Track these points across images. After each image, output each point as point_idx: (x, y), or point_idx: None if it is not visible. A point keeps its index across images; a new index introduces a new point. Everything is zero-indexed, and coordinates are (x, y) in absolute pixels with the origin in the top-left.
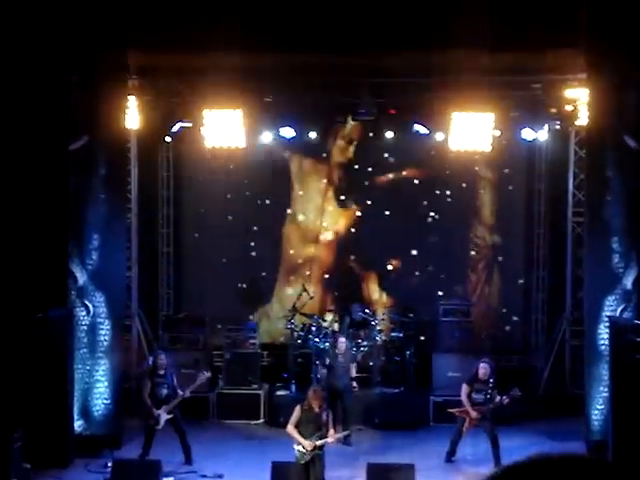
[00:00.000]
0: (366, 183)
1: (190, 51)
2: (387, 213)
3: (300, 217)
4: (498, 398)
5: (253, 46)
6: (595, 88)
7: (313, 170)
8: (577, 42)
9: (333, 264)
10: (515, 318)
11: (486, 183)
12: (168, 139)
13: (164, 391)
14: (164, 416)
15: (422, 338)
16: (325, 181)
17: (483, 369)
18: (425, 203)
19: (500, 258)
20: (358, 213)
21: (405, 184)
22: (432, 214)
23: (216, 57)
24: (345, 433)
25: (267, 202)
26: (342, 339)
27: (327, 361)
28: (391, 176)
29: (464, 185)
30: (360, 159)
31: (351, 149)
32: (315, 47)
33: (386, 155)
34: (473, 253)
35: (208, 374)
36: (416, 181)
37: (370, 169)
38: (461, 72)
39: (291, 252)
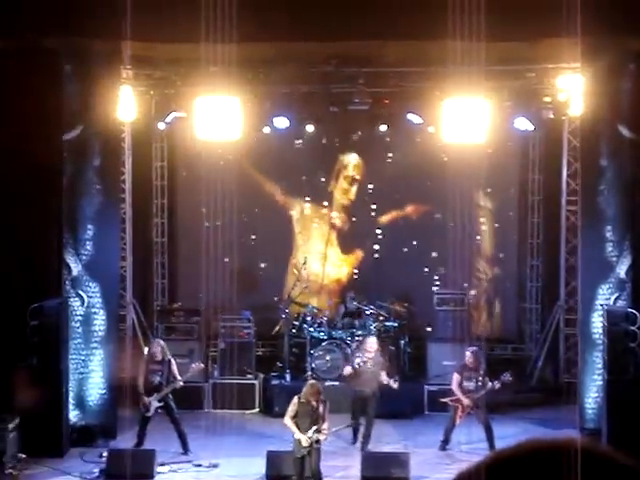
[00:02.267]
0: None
1: (184, 41)
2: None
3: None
4: (490, 384)
5: (248, 36)
6: (589, 77)
7: (315, 215)
8: (571, 31)
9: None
10: (509, 306)
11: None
12: (162, 129)
13: (157, 379)
14: (154, 404)
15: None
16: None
17: (470, 356)
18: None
19: (496, 252)
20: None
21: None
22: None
23: (211, 47)
24: (343, 427)
25: (263, 190)
26: (372, 340)
27: (356, 363)
28: (394, 213)
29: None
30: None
31: (353, 190)
32: (309, 37)
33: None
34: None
35: (201, 365)
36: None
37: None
38: (454, 62)
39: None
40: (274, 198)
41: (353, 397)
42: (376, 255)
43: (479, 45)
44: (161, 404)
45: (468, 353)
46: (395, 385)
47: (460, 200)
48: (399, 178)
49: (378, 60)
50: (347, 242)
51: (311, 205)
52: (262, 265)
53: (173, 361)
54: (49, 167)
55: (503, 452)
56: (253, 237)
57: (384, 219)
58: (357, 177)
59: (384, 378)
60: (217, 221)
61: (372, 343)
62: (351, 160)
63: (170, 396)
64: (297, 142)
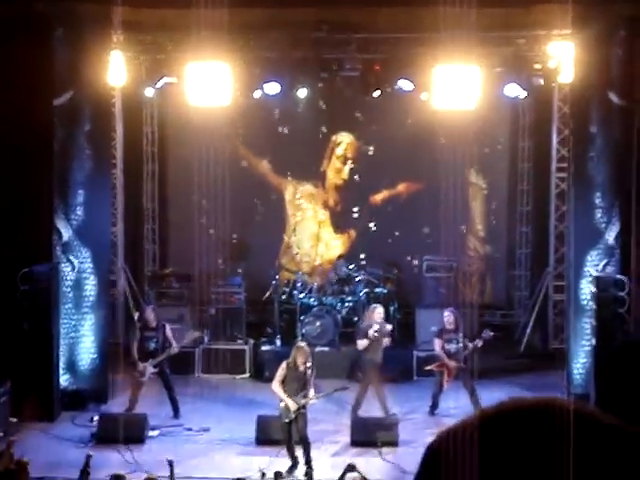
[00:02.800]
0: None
1: (175, 6)
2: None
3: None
4: (471, 344)
5: (238, 1)
6: (580, 44)
7: (308, 196)
8: None
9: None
10: (499, 273)
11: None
12: (152, 95)
13: (152, 345)
14: (149, 369)
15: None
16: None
17: (447, 317)
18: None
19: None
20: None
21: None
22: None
23: (202, 12)
24: (329, 392)
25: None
26: (380, 309)
27: (366, 334)
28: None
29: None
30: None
31: (346, 169)
32: (301, 3)
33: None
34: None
35: (198, 333)
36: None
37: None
38: (446, 28)
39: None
40: (266, 179)
41: (365, 366)
42: (373, 228)
43: (470, 11)
44: (156, 370)
45: (447, 314)
46: (389, 327)
47: (451, 169)
48: (390, 146)
49: (370, 26)
50: (340, 221)
51: (303, 186)
52: (253, 231)
53: (167, 327)
54: (39, 132)
55: (486, 411)
56: (245, 203)
57: (377, 198)
58: (349, 156)
59: (386, 342)
60: (208, 187)
61: (380, 312)
62: (344, 139)
63: (165, 362)
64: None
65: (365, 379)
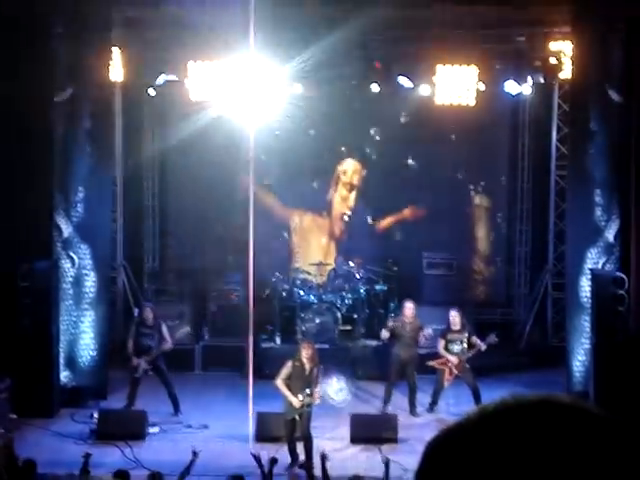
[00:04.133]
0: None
1: (175, 4)
2: None
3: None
4: (475, 345)
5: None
6: (579, 41)
7: (314, 225)
8: None
9: None
10: (498, 271)
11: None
12: (153, 92)
13: (148, 342)
14: (143, 365)
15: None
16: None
17: (453, 317)
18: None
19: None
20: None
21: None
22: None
23: (204, 10)
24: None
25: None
26: (409, 304)
27: (392, 328)
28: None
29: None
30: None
31: (352, 197)
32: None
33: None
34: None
35: (187, 328)
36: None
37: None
38: (446, 25)
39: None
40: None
41: (391, 360)
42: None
43: (470, 9)
44: (150, 367)
45: (453, 314)
46: (429, 332)
47: (452, 165)
48: (391, 143)
49: (370, 24)
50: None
51: (311, 215)
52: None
53: (163, 324)
54: (40, 129)
55: (486, 408)
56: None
57: (383, 224)
58: (355, 183)
59: (420, 338)
60: (208, 184)
61: (409, 308)
62: (349, 166)
63: (161, 359)
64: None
65: (390, 374)
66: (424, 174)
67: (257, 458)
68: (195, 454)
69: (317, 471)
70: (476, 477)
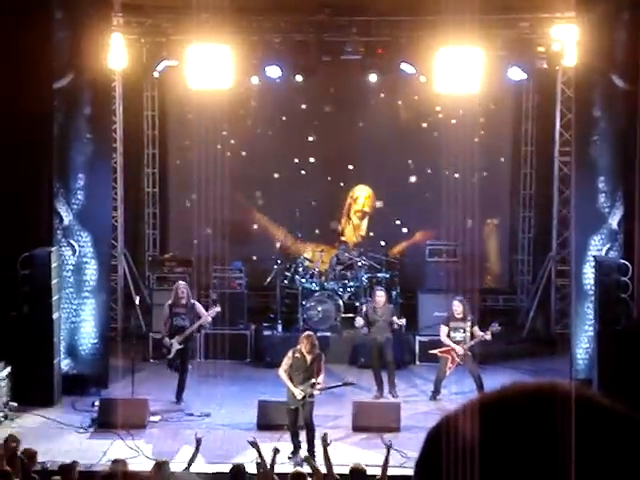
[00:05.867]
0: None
1: None
2: None
3: None
4: (479, 334)
5: None
6: (583, 26)
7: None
8: None
9: None
10: (501, 258)
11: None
12: (153, 78)
13: (181, 322)
14: (175, 345)
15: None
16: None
17: (456, 306)
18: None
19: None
20: None
21: None
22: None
23: None
24: (336, 385)
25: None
26: (380, 292)
27: (365, 314)
28: (404, 244)
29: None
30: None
31: (364, 225)
32: None
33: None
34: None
35: (218, 308)
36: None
37: None
38: (449, 11)
39: None
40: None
41: (369, 346)
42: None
43: None
44: (182, 346)
45: (456, 303)
46: (402, 322)
47: (454, 155)
48: (392, 131)
49: (371, 9)
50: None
51: (324, 251)
52: (255, 215)
53: (197, 304)
54: (39, 115)
55: (487, 395)
56: (246, 187)
57: (395, 250)
58: (367, 210)
59: (394, 321)
60: (208, 171)
61: (379, 296)
62: (361, 192)
63: (194, 342)
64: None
65: (372, 361)
66: (425, 164)
67: (255, 445)
68: (199, 440)
69: (319, 460)
70: (477, 465)
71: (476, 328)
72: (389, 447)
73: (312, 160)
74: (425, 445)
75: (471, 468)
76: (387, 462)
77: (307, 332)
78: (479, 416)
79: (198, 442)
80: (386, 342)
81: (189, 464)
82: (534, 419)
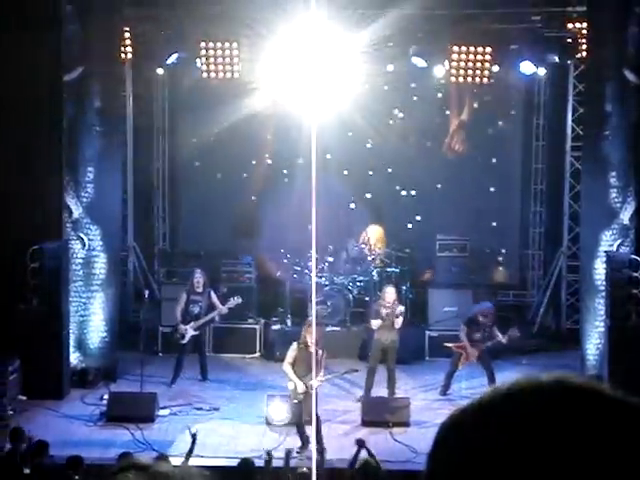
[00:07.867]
0: None
1: None
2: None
3: None
4: (498, 337)
5: None
6: (595, 21)
7: None
8: None
9: None
10: (512, 252)
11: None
12: (163, 71)
13: (196, 309)
14: (190, 332)
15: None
16: None
17: (484, 316)
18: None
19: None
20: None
21: None
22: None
23: None
24: (338, 373)
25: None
26: (390, 289)
27: (383, 315)
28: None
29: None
30: None
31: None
32: None
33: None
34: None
35: (239, 299)
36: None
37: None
38: (461, 5)
39: None
40: None
41: (373, 346)
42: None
43: None
44: (197, 332)
45: (484, 310)
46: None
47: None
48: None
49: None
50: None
51: None
52: (265, 209)
53: (213, 293)
54: (49, 108)
55: (498, 389)
56: (255, 182)
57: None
58: (379, 252)
59: (399, 323)
60: (218, 165)
61: (390, 294)
62: (373, 233)
63: (208, 327)
64: None
65: (370, 358)
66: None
67: (362, 443)
68: (194, 435)
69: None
70: (489, 460)
71: (495, 328)
72: (360, 446)
73: None
74: (436, 440)
75: (483, 463)
76: (356, 459)
77: (308, 322)
78: (491, 410)
79: (194, 437)
80: (391, 345)
81: (186, 458)
82: (547, 413)
